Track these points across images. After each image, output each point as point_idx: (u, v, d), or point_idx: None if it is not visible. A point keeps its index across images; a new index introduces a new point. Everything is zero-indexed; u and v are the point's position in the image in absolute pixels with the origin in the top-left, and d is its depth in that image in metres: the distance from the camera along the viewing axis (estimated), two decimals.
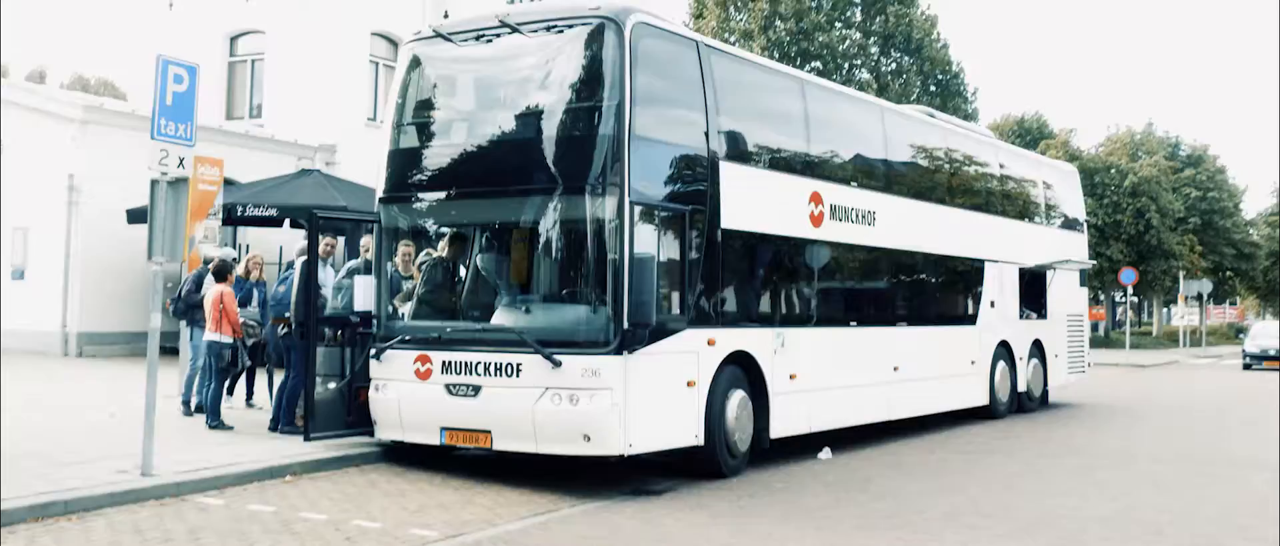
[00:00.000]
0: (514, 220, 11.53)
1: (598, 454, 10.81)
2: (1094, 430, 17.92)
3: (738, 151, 12.60)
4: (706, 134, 12.08)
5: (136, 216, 22.61)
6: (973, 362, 17.94)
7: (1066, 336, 21.55)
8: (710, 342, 11.80)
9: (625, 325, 10.63)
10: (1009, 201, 19.99)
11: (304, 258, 12.06)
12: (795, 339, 13.26)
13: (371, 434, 12.12)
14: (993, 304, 18.61)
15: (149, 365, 10.13)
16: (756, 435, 12.50)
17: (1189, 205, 62.15)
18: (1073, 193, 23.00)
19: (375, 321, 11.91)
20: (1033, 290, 20.15)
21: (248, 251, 19.25)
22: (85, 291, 23.96)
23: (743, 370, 12.31)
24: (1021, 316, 19.70)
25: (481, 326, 11.38)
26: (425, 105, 12.26)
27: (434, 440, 11.38)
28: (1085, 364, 22.80)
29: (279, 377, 14.29)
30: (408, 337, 11.52)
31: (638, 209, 10.92)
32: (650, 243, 11.10)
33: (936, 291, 17.44)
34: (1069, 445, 15.67)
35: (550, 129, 11.29)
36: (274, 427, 12.69)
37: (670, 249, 11.34)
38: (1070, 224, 22.51)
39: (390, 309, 12.10)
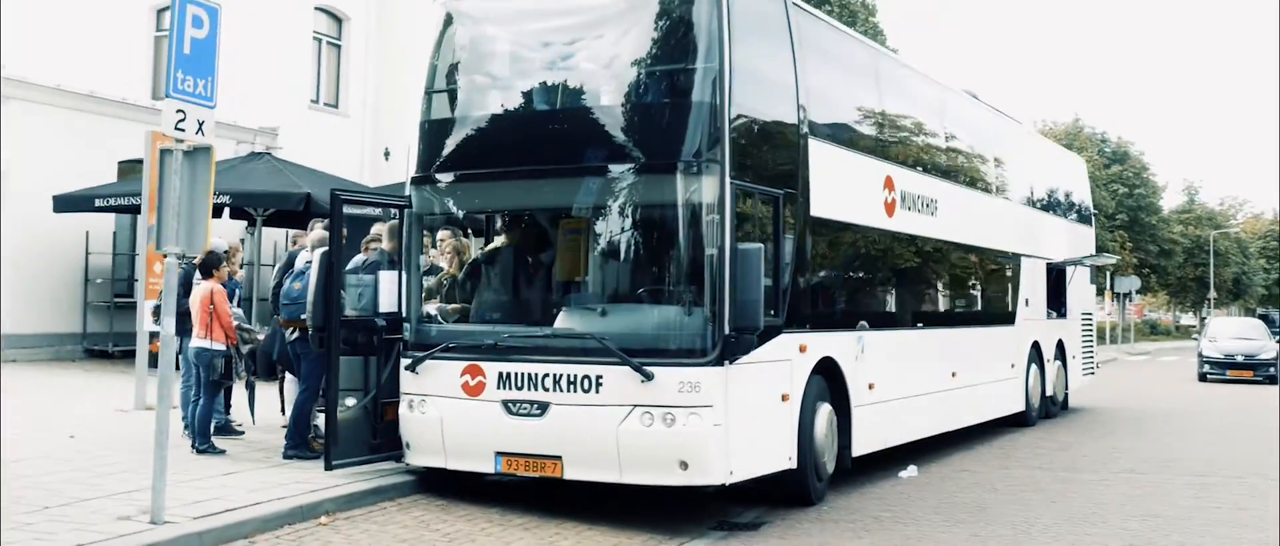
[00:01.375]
0: (585, 205, 9.67)
1: (695, 483, 9.06)
2: (1148, 439, 16.64)
3: (823, 127, 10.92)
4: (796, 105, 10.40)
5: (66, 204, 20.25)
6: (1012, 366, 16.53)
7: (1081, 336, 20.33)
8: (802, 349, 10.13)
9: (727, 330, 8.91)
10: (1038, 191, 18.66)
11: (323, 249, 10.08)
12: (873, 343, 11.64)
13: (398, 458, 10.23)
14: (1027, 302, 17.23)
15: (160, 383, 8.12)
16: (837, 454, 10.87)
17: (1117, 202, 62.24)
18: (1083, 184, 21.79)
19: (405, 326, 10.00)
20: (1055, 287, 18.84)
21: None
22: (8, 289, 21.41)
23: (825, 379, 10.66)
24: (1047, 315, 18.39)
25: (551, 332, 9.51)
26: (468, 69, 10.34)
27: (486, 467, 9.52)
28: (1095, 365, 21.63)
29: (259, 390, 12.31)
30: (453, 345, 9.63)
31: (738, 192, 9.20)
32: (751, 232, 9.39)
33: (985, 289, 15.97)
34: (1146, 457, 14.29)
35: (631, 96, 9.53)
36: (292, 451, 10.69)
37: (763, 239, 9.61)
38: (1084, 217, 21.29)
39: (424, 310, 10.21)
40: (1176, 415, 20.57)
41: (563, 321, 9.61)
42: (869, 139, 12.16)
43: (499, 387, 9.39)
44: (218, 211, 19.16)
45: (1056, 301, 18.92)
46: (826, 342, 10.60)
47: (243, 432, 11.88)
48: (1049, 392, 18.22)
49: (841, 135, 11.46)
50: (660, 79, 9.42)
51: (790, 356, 9.88)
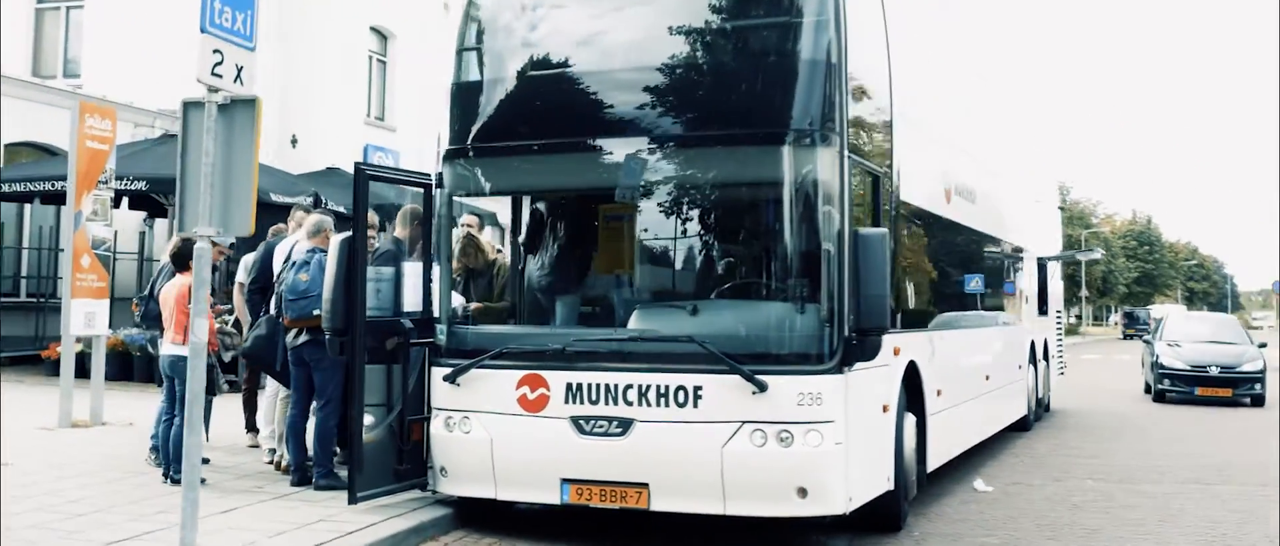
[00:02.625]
0: (668, 183, 8.14)
1: (812, 514, 7.61)
2: (1161, 442, 15.78)
3: (907, 99, 9.57)
4: (888, 72, 9.04)
5: None
6: (1019, 367, 15.47)
7: (1056, 334, 19.48)
8: (896, 352, 8.77)
9: (847, 331, 7.50)
10: (1024, 178, 17.67)
11: (342, 236, 8.31)
12: (939, 345, 10.36)
13: (423, 485, 8.57)
14: (1027, 299, 16.24)
15: (190, 402, 6.34)
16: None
17: None
18: (1042, 168, 20.87)
19: (438, 328, 8.33)
20: (1040, 281, 17.91)
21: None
22: None
23: (904, 387, 9.32)
24: (1038, 313, 17.44)
25: (637, 334, 7.92)
26: (517, 17, 8.67)
27: (548, 498, 7.91)
28: (1063, 364, 20.83)
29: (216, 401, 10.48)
30: (506, 351, 7.99)
31: (855, 169, 7.79)
32: (860, 218, 7.99)
33: (1004, 284, 14.85)
34: (1192, 463, 13.33)
35: (730, 52, 8.03)
36: (300, 479, 8.92)
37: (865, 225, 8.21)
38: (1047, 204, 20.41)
39: (458, 309, 8.55)
40: (1158, 418, 19.87)
41: (641, 322, 8.05)
42: (934, 116, 10.86)
43: (568, 402, 7.80)
44: (117, 200, 17.06)
45: (1041, 296, 17.99)
46: (910, 344, 9.26)
47: (207, 459, 10.01)
48: (1040, 394, 17.29)
49: (916, 109, 10.12)
50: (767, 32, 7.94)
51: (888, 361, 8.50)
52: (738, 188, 7.91)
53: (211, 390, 9.09)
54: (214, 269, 9.60)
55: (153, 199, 18.64)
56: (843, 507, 7.64)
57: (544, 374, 7.87)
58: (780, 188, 7.63)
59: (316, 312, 8.64)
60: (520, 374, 7.92)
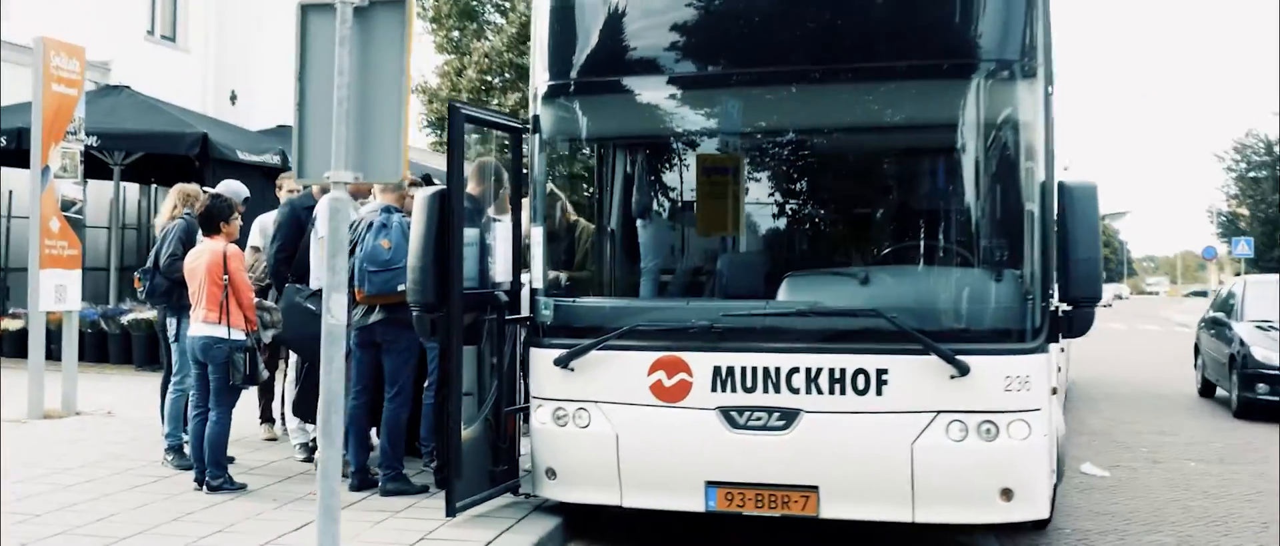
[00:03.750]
0: (836, 122, 6.80)
1: (1018, 519, 6.42)
2: (1195, 420, 14.98)
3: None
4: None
5: None
6: None
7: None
8: None
9: (1053, 303, 6.33)
10: None
11: (431, 190, 6.85)
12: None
13: (515, 488, 7.24)
14: None
15: (323, 406, 4.86)
16: None
17: None
18: None
19: (539, 302, 6.94)
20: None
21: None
22: None
23: None
24: None
25: (811, 306, 6.55)
26: None
27: (690, 504, 6.57)
28: None
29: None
30: (638, 329, 6.64)
31: (1054, 107, 6.59)
32: (1060, 166, 6.79)
33: None
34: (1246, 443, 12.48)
35: None
36: (360, 482, 7.50)
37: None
38: None
39: (558, 279, 7.17)
40: (1160, 382, 19.15)
41: (796, 292, 6.72)
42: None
43: (716, 389, 6.48)
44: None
45: None
46: None
47: (232, 457, 8.48)
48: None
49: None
50: None
51: None
52: (923, 130, 6.62)
53: (253, 378, 7.60)
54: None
55: (96, 157, 16.75)
56: (1046, 510, 6.48)
57: (685, 356, 6.54)
58: (977, 130, 6.38)
59: (402, 287, 7.21)
60: (655, 356, 6.58)
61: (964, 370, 6.13)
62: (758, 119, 6.83)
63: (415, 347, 7.62)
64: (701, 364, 6.51)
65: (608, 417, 6.69)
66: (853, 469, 6.34)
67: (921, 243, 6.90)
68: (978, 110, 6.34)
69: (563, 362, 6.72)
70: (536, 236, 6.99)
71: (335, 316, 4.78)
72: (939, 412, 6.23)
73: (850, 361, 6.31)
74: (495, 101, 34.67)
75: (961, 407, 6.21)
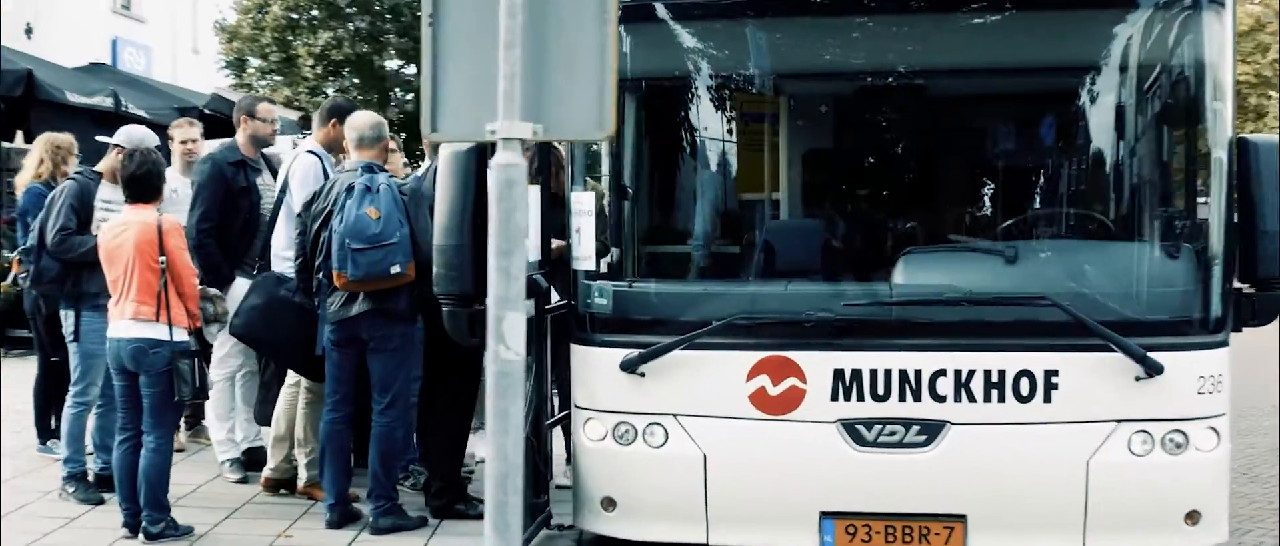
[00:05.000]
0: (972, 61, 5.41)
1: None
2: None
3: None
4: None
5: None
6: None
7: None
8: None
9: (1242, 287, 5.23)
10: None
11: (471, 147, 5.18)
12: None
13: (548, 520, 5.79)
14: None
15: (498, 476, 3.27)
16: None
17: None
18: None
19: (592, 290, 5.42)
20: None
21: None
22: None
23: None
24: None
25: (966, 293, 5.08)
26: None
27: (803, 540, 5.20)
28: None
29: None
30: (736, 322, 5.20)
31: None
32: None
33: None
34: None
35: None
36: (341, 516, 5.88)
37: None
38: None
39: (611, 259, 5.64)
40: None
41: (924, 273, 5.41)
42: None
43: (838, 398, 5.13)
44: None
45: None
46: None
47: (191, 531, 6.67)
48: None
49: None
50: None
51: None
52: (1082, 69, 5.33)
53: (203, 391, 5.85)
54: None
55: None
56: (1227, 534, 5.41)
57: (796, 357, 5.16)
58: (1151, 68, 5.19)
59: (397, 269, 5.59)
60: (757, 357, 5.17)
61: (1157, 369, 4.96)
62: (875, 53, 5.40)
63: (411, 346, 6.03)
64: (818, 366, 5.15)
65: (692, 435, 5.27)
66: (1011, 493, 5.11)
67: (1081, 210, 5.66)
68: (1153, 42, 5.15)
69: (632, 366, 5.24)
70: (583, 203, 5.46)
71: (512, 348, 3.22)
72: (1120, 422, 5.05)
73: (1011, 361, 5.05)
74: (301, 41, 32.18)
75: (1147, 415, 5.05)
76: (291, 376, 6.51)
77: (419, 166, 7.45)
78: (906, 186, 5.96)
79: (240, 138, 7.03)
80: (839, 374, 5.14)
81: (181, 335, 5.68)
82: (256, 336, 6.30)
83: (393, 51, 34.50)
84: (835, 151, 5.89)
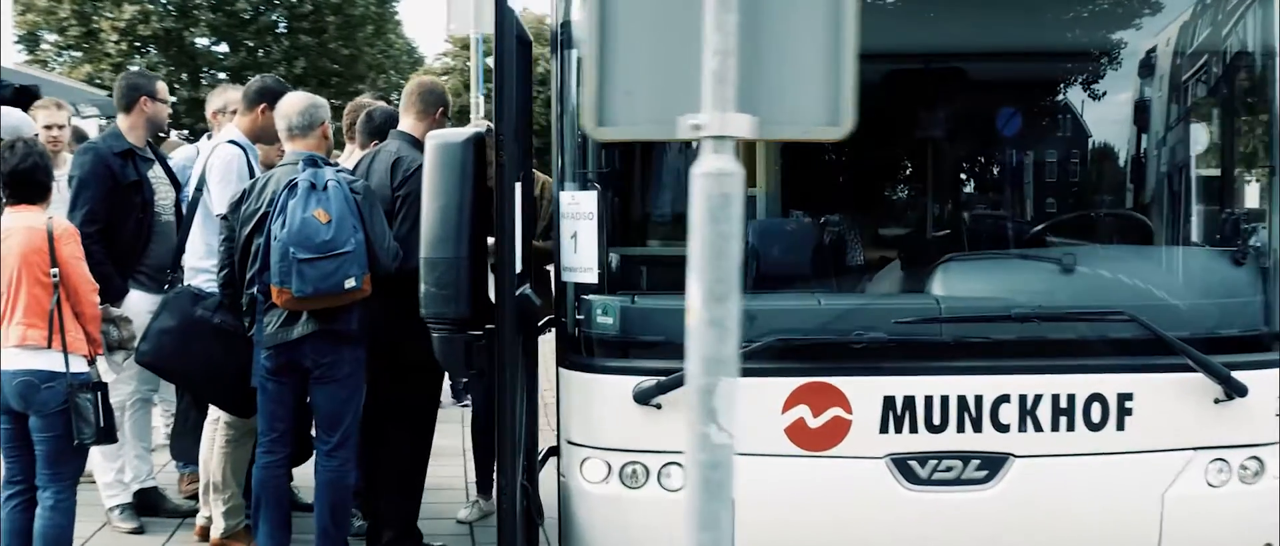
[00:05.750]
0: (1022, 42, 4.78)
1: None
2: None
3: None
4: None
5: None
6: None
7: None
8: None
9: None
10: None
11: (472, 134, 4.27)
12: None
13: None
14: None
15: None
16: None
17: None
18: None
19: (594, 308, 4.59)
20: None
21: None
22: None
23: None
24: None
25: (1027, 306, 4.44)
26: None
27: None
28: None
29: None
30: (772, 344, 4.45)
31: None
32: None
33: None
34: None
35: None
36: None
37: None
38: None
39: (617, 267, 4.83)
40: None
41: (970, 282, 4.77)
42: None
43: (887, 430, 4.46)
44: None
45: None
46: None
47: None
48: None
49: None
50: None
51: None
52: (1145, 58, 4.76)
53: (109, 433, 4.80)
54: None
55: None
56: None
57: (840, 382, 4.47)
58: (1225, 61, 4.67)
59: (351, 283, 4.66)
60: (794, 384, 4.46)
61: (1242, 391, 4.45)
62: (912, 33, 4.73)
63: (361, 375, 5.09)
64: (865, 393, 4.47)
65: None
66: (1080, 534, 4.54)
67: (1144, 213, 5.10)
68: (1233, 25, 4.64)
69: (648, 397, 4.46)
70: (582, 204, 4.62)
71: (725, 429, 2.44)
72: (1197, 449, 4.53)
73: (1082, 384, 4.47)
74: (104, 15, 30.22)
75: (1225, 441, 4.55)
76: (212, 409, 5.49)
77: (340, 155, 6.45)
78: (949, 185, 5.32)
79: (127, 123, 5.94)
80: (889, 402, 4.47)
81: (80, 364, 4.63)
82: (169, 365, 5.28)
83: (205, 27, 32.63)
84: (875, 145, 5.19)
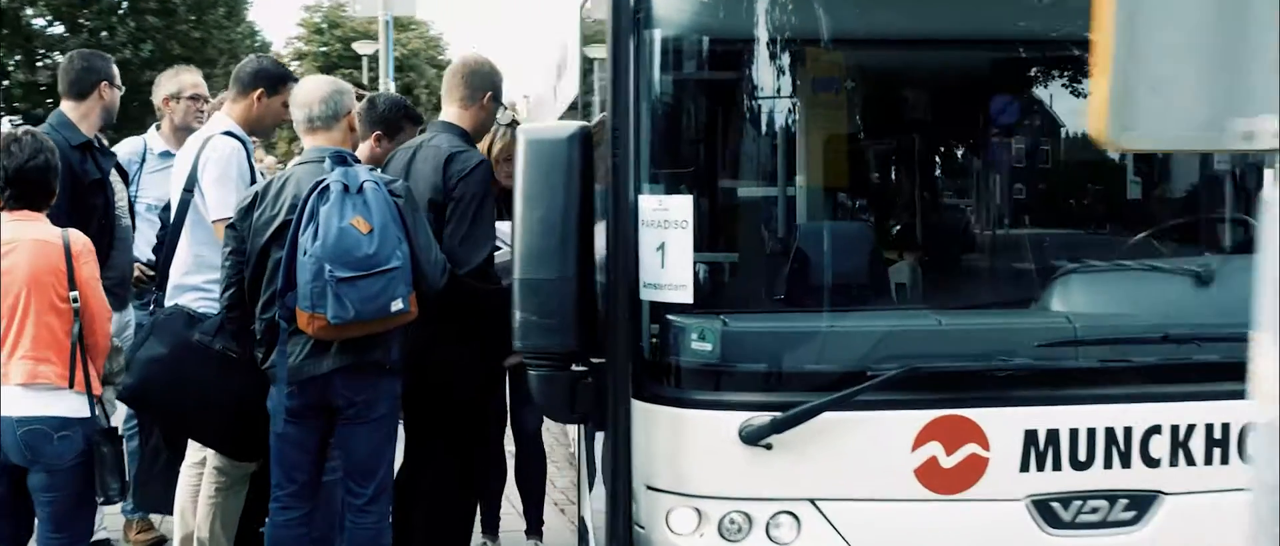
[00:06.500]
0: None
1: None
2: None
3: None
4: None
5: None
6: None
7: None
8: None
9: None
10: None
11: (577, 129, 3.54)
12: None
13: None
14: None
15: None
16: None
17: None
18: None
19: (690, 336, 3.90)
20: None
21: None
22: None
23: None
24: None
25: (1181, 325, 3.97)
26: None
27: None
28: None
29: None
30: (910, 370, 3.85)
31: None
32: None
33: None
34: None
35: None
36: None
37: None
38: None
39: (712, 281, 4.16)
40: None
41: (1088, 297, 4.25)
42: None
43: (1028, 467, 3.91)
44: None
45: None
46: None
47: None
48: None
49: None
50: None
51: None
52: None
53: (126, 487, 4.00)
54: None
55: None
56: None
57: (976, 415, 3.90)
58: None
59: (399, 305, 3.90)
60: (927, 417, 3.87)
61: None
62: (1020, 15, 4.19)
63: (398, 414, 4.33)
64: (1005, 427, 3.92)
65: (836, 525, 3.92)
66: None
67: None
68: None
69: (759, 436, 3.82)
70: (673, 209, 3.93)
71: None
72: None
73: (1237, 411, 4.00)
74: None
75: None
76: (194, 449, 4.64)
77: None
78: (1058, 185, 4.78)
79: (79, 110, 5.06)
80: (1031, 436, 3.92)
81: (80, 410, 3.82)
82: (158, 400, 4.40)
83: (43, 6, 30.73)
84: (970, 139, 4.62)
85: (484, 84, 4.81)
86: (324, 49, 46.12)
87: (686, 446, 3.98)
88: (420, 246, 4.05)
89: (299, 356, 4.08)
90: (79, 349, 3.86)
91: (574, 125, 3.58)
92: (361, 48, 35.34)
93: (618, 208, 3.53)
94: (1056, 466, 3.94)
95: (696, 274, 3.95)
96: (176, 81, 5.74)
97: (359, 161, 4.32)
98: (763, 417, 3.82)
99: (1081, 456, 3.94)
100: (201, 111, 5.78)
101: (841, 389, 3.84)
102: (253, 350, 4.20)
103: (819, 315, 4.18)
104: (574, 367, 3.57)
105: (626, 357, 3.58)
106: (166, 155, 5.93)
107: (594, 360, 3.59)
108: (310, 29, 49.04)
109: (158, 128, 5.83)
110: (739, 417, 3.85)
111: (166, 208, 5.56)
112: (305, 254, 3.88)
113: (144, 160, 5.67)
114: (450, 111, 4.80)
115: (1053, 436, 3.94)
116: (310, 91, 4.35)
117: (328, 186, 3.96)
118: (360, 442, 4.19)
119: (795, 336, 4.04)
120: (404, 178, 4.34)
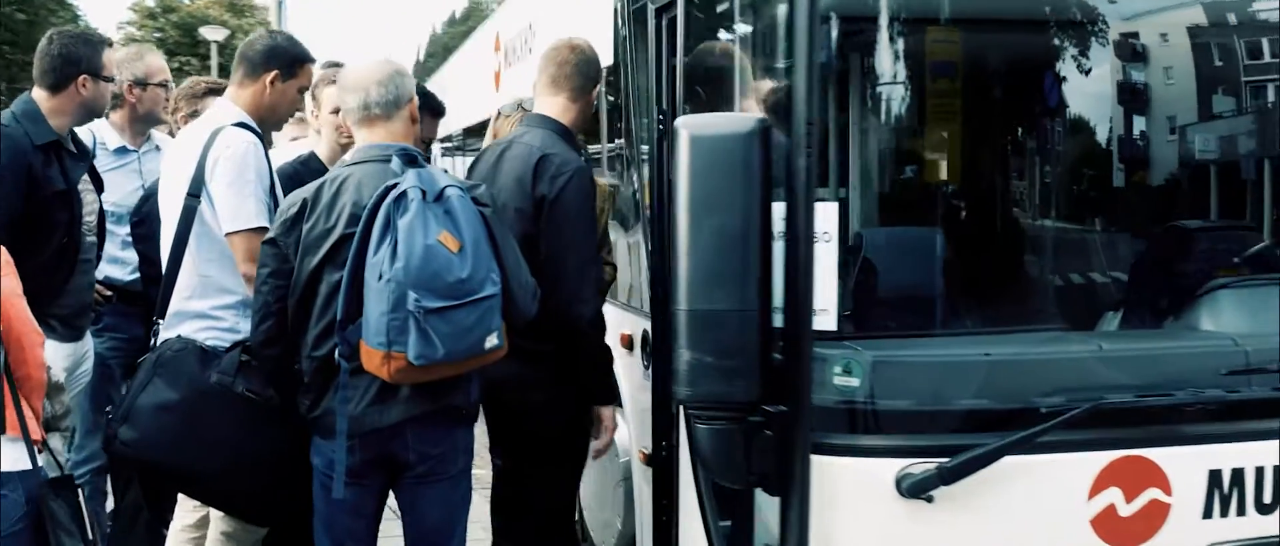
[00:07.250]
0: None
1: None
2: None
3: None
4: None
5: None
6: None
7: None
8: None
9: None
10: None
11: (749, 122, 2.86)
12: None
13: None
14: None
15: None
16: None
17: None
18: None
19: (831, 364, 3.29)
20: None
21: None
22: None
23: None
24: None
25: None
26: None
27: None
28: None
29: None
30: (1097, 407, 3.30)
31: None
32: None
33: None
34: None
35: None
36: None
37: None
38: None
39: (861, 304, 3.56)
40: None
41: (1253, 317, 3.80)
42: None
43: (1212, 513, 3.45)
44: None
45: None
46: None
47: None
48: None
49: None
50: None
51: None
52: None
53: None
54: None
55: None
56: None
57: (1156, 455, 3.42)
58: None
59: (494, 341, 3.20)
60: (1105, 459, 3.37)
61: None
62: None
63: (471, 469, 3.59)
64: (1187, 468, 3.45)
65: None
66: None
67: None
68: None
69: (922, 488, 3.24)
70: (821, 220, 3.32)
71: None
72: None
73: None
74: None
75: None
76: (187, 508, 3.82)
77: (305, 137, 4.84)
78: (1193, 186, 4.30)
79: (52, 104, 4.14)
80: (1215, 478, 3.46)
81: (21, 464, 3.00)
82: (167, 460, 3.54)
83: None
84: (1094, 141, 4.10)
85: (596, 75, 4.10)
86: (159, 35, 43.58)
87: (828, 499, 3.39)
88: (510, 268, 3.35)
89: (362, 403, 3.33)
90: (6, 384, 3.04)
91: (750, 118, 2.93)
92: (209, 33, 33.44)
93: (793, 219, 2.90)
94: (1240, 511, 3.50)
95: (845, 296, 3.37)
96: (143, 64, 4.86)
97: (429, 161, 3.58)
98: (929, 465, 3.26)
99: (1267, 498, 3.51)
100: (169, 101, 4.92)
101: (1010, 428, 3.31)
102: (292, 395, 3.43)
103: (979, 341, 3.63)
104: (750, 420, 2.94)
105: (808, 404, 2.96)
106: (123, 151, 5.04)
107: (767, 408, 2.96)
108: (142, 14, 46.33)
109: (107, 117, 4.90)
110: (892, 465, 3.29)
111: (131, 214, 4.71)
112: (382, 278, 3.13)
113: (93, 158, 4.74)
114: (551, 104, 4.05)
115: (1237, 477, 3.49)
116: (364, 74, 3.56)
117: (404, 193, 3.21)
118: (433, 505, 3.45)
119: (957, 368, 3.48)
120: (486, 184, 3.61)
